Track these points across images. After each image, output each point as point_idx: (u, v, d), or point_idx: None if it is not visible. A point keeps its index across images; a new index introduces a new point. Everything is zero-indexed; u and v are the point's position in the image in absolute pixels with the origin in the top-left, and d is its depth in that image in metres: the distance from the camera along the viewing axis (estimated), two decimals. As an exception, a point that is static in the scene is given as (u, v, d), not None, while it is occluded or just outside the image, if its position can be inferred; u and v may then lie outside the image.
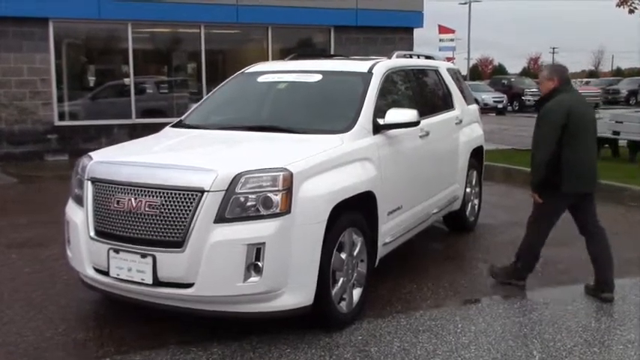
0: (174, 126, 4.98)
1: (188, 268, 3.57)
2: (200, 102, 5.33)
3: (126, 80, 12.88)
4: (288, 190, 3.62)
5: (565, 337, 3.94)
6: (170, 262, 3.61)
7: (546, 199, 4.72)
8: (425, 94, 5.83)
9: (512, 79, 35.05)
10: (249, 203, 3.59)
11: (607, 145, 11.47)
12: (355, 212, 4.19)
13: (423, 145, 5.16)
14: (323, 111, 4.81)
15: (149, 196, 3.66)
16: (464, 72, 44.61)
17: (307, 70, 5.10)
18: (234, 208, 3.58)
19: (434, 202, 5.44)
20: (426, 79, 5.92)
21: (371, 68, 4.95)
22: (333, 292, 3.96)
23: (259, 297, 3.63)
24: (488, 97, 30.36)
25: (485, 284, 4.97)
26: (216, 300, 3.64)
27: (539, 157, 4.59)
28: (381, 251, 4.59)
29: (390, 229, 4.64)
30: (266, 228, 3.57)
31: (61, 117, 12.33)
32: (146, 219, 3.66)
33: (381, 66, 5.02)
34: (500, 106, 30.28)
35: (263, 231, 3.56)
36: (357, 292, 4.23)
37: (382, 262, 4.66)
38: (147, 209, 3.65)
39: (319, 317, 3.93)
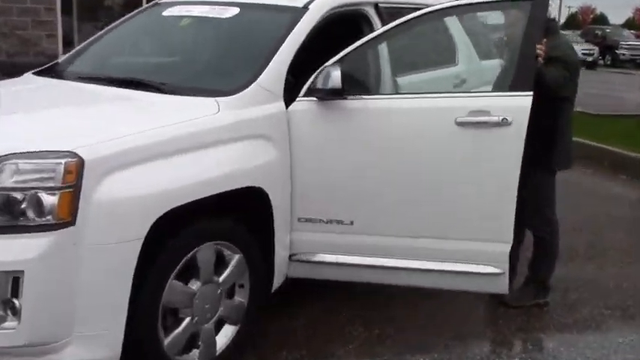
0: (40, 72, 3.66)
1: None
2: (90, 39, 3.98)
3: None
4: (73, 188, 2.26)
5: None
6: None
7: (547, 178, 3.61)
8: (414, 49, 4.20)
9: (608, 30, 31.57)
10: (11, 205, 2.26)
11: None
12: (225, 218, 2.80)
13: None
14: (219, 60, 3.36)
15: None
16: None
17: (224, 2, 3.63)
18: (-14, 211, 2.26)
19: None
20: (419, 27, 4.25)
21: (309, 2, 3.41)
22: (168, 339, 2.62)
23: (23, 351, 2.33)
24: (577, 49, 27.34)
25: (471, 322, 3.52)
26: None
27: (561, 82, 3.34)
28: (294, 270, 3.18)
29: (315, 244, 3.16)
30: (27, 247, 2.23)
31: (68, 51, 11.30)
32: None
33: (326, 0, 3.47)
34: (589, 59, 27.33)
35: (22, 252, 2.23)
36: (226, 333, 2.88)
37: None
38: None
39: (144, 376, 2.62)
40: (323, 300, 3.55)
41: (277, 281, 3.13)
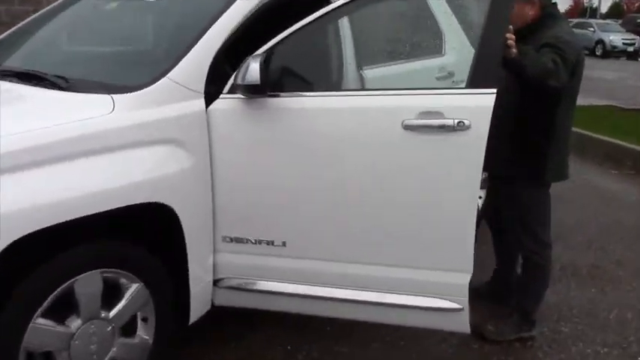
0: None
1: None
2: (16, 27, 3.53)
3: None
4: None
5: None
6: None
7: (538, 192, 3.04)
8: (382, 35, 3.64)
9: (650, 19, 30.25)
10: None
11: None
12: (116, 241, 2.33)
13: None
14: (133, 50, 2.88)
15: None
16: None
17: (158, -19, 3.14)
18: None
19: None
20: (382, 9, 3.69)
21: (252, -22, 2.88)
22: (36, 388, 2.17)
23: None
24: (617, 38, 26.35)
25: None
26: None
27: (550, 67, 2.66)
28: (221, 297, 2.71)
29: (244, 267, 2.68)
30: None
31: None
32: None
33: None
34: (631, 49, 26.20)
35: None
36: (123, 377, 2.42)
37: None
38: None
39: None
40: (262, 329, 3.06)
41: (198, 311, 2.66)
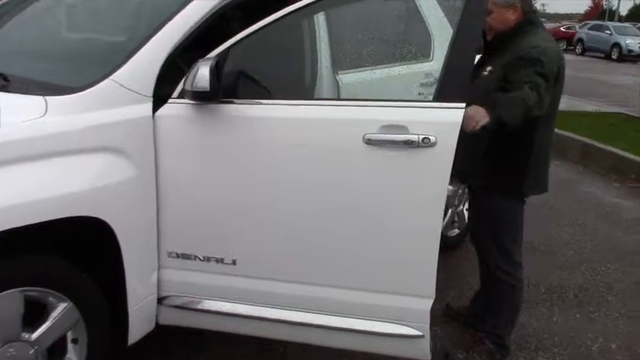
0: None
1: None
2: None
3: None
4: None
5: None
6: None
7: (512, 206, 2.84)
8: (361, 37, 3.42)
9: (670, 23, 29.70)
10: None
11: None
12: (39, 258, 2.15)
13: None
14: (82, 47, 2.67)
15: None
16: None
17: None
18: None
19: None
20: (361, 6, 3.46)
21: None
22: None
23: None
24: (634, 42, 25.89)
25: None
26: None
27: (532, 102, 2.46)
28: (166, 316, 2.52)
29: (191, 285, 2.48)
30: None
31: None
32: None
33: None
34: (649, 53, 25.76)
35: None
36: (48, 404, 2.24)
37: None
38: None
39: None
40: (210, 350, 2.87)
41: (139, 331, 2.46)
